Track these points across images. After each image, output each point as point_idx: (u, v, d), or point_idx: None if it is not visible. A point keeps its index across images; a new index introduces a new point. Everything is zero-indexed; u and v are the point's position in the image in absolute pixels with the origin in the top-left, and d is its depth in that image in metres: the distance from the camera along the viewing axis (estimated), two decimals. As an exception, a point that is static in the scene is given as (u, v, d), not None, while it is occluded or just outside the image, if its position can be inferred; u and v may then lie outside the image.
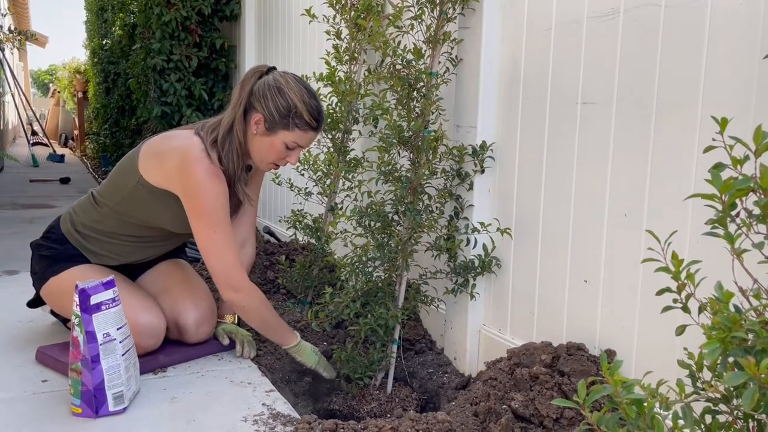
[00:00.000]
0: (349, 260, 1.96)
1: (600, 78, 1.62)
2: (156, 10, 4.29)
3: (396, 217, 1.97)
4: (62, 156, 10.69)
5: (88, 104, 11.29)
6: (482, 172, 1.98)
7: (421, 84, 1.94)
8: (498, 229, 1.93)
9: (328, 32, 2.42)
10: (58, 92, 16.02)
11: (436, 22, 1.94)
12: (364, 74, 2.39)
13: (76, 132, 13.43)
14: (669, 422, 0.84)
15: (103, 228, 2.02)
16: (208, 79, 4.59)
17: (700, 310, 0.87)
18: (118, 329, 1.62)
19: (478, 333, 2.06)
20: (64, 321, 2.19)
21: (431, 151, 1.91)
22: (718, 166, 0.84)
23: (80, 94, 11.99)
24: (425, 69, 1.94)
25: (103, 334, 1.58)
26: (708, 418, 0.86)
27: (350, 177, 2.35)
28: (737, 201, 0.83)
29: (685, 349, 0.93)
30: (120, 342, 1.62)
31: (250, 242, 2.19)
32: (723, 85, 1.33)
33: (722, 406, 0.84)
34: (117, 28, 6.41)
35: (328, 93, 2.42)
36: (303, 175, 2.54)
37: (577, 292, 1.72)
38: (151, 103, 4.51)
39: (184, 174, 1.82)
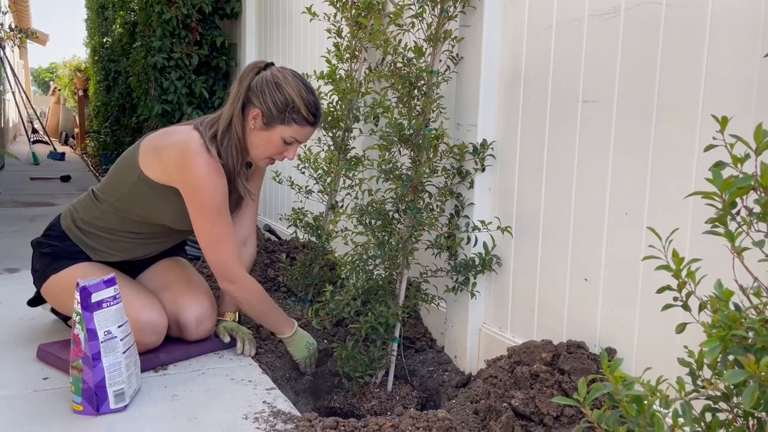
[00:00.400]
0: (350, 258, 1.97)
1: (601, 76, 1.62)
2: (157, 8, 4.29)
3: (397, 216, 1.97)
4: (63, 154, 10.70)
5: (88, 102, 11.29)
6: (483, 170, 1.98)
7: (422, 82, 1.94)
8: (498, 227, 1.93)
9: (328, 30, 2.42)
10: (59, 90, 16.02)
11: (437, 21, 1.94)
12: (365, 72, 2.39)
13: (76, 130, 13.42)
14: (669, 420, 0.84)
15: (104, 224, 2.02)
16: (208, 77, 4.59)
17: (701, 308, 0.87)
18: (119, 327, 1.62)
19: (478, 331, 2.06)
20: (65, 319, 2.19)
21: (432, 150, 1.91)
22: (719, 165, 0.84)
23: (81, 92, 11.99)
24: (426, 67, 1.94)
25: (104, 332, 1.59)
26: (708, 416, 0.86)
27: (351, 175, 2.35)
28: (738, 199, 0.83)
29: (686, 347, 0.93)
30: (121, 340, 1.62)
31: (252, 240, 2.19)
32: (723, 84, 1.33)
33: (722, 404, 0.85)
34: (117, 26, 6.41)
35: (329, 91, 2.42)
36: (304, 173, 2.54)
37: (578, 291, 1.72)
38: (152, 101, 4.51)
39: (184, 168, 1.83)
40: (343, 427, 1.54)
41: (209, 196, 1.84)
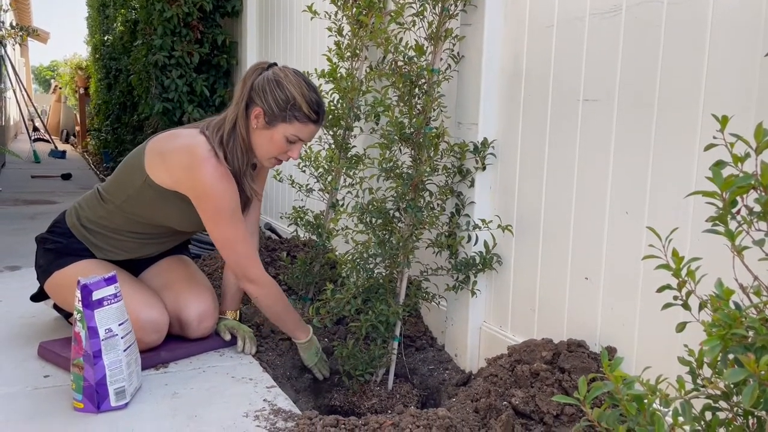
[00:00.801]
0: (351, 257, 1.97)
1: (602, 75, 1.62)
2: (158, 6, 4.29)
3: (397, 214, 1.97)
4: (64, 152, 10.71)
5: (89, 100, 11.29)
6: (483, 169, 1.98)
7: (423, 81, 1.94)
8: (499, 226, 1.93)
9: (329, 29, 2.42)
10: (60, 88, 16.03)
11: (437, 19, 1.94)
12: (366, 71, 2.39)
13: (77, 128, 13.43)
14: (669, 419, 0.84)
15: (109, 224, 2.02)
16: (209, 76, 4.58)
17: (701, 307, 0.87)
18: (119, 325, 1.63)
19: (478, 330, 2.06)
20: (66, 316, 2.20)
21: (433, 148, 1.91)
22: (719, 164, 0.84)
23: (82, 90, 11.99)
24: (427, 66, 1.94)
25: (105, 330, 1.59)
26: (708, 415, 0.86)
27: (351, 174, 2.35)
28: (738, 198, 0.83)
29: (686, 345, 0.93)
30: (122, 338, 1.63)
31: (254, 237, 2.20)
32: (724, 83, 1.33)
33: (722, 403, 0.85)
34: (118, 25, 6.41)
35: (330, 90, 2.42)
36: (304, 171, 2.54)
37: (578, 289, 1.72)
38: (153, 99, 4.51)
39: (192, 175, 1.82)
40: (343, 425, 1.54)
41: (222, 202, 1.84)
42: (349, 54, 2.44)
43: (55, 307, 2.23)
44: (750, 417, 0.82)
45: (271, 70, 1.89)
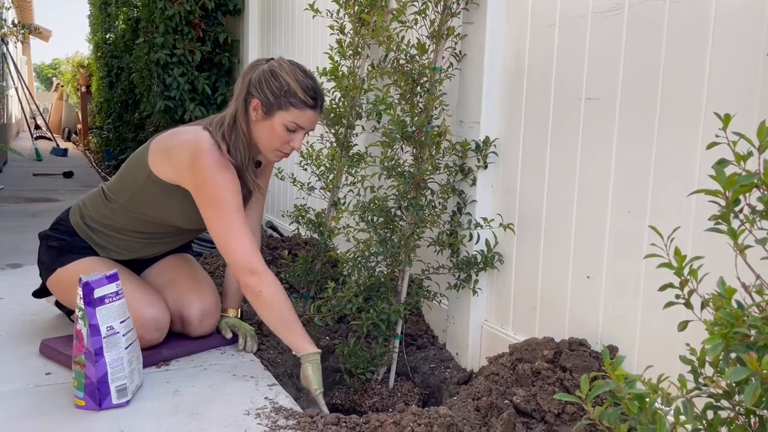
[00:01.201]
0: (352, 255, 1.97)
1: (604, 74, 1.62)
2: (159, 4, 4.29)
3: (399, 213, 1.97)
4: (65, 150, 10.72)
5: (91, 98, 11.30)
6: (485, 167, 1.98)
7: (425, 79, 1.94)
8: (501, 224, 1.93)
9: (331, 27, 2.42)
10: (62, 86, 16.04)
11: (440, 17, 1.93)
12: (368, 69, 2.39)
13: (79, 126, 13.45)
14: (671, 418, 0.84)
15: (113, 223, 2.02)
16: (211, 74, 4.59)
17: (703, 305, 0.87)
18: (121, 322, 1.63)
19: (480, 328, 2.06)
20: (68, 313, 2.20)
21: (434, 147, 1.91)
22: (722, 162, 0.84)
23: (83, 88, 12.01)
24: (429, 64, 1.94)
25: (107, 328, 1.59)
26: (710, 414, 0.86)
27: (353, 172, 2.35)
28: (741, 197, 0.83)
29: (687, 344, 0.93)
30: (123, 335, 1.63)
31: (256, 237, 2.19)
32: (727, 81, 1.33)
33: (724, 402, 0.85)
34: (120, 23, 6.41)
35: (332, 88, 2.42)
36: (306, 169, 2.54)
37: (580, 288, 1.72)
38: (155, 97, 4.51)
39: (195, 166, 1.82)
40: (344, 424, 1.54)
41: (222, 190, 1.83)
42: (350, 52, 2.44)
43: (57, 304, 2.23)
44: (752, 416, 0.82)
45: (267, 63, 1.90)
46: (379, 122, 2.20)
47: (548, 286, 1.83)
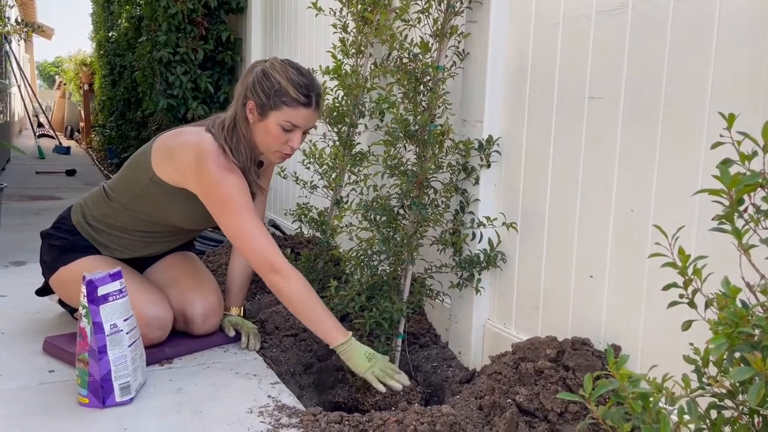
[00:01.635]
0: (355, 254, 1.97)
1: (608, 73, 1.62)
2: (162, 2, 4.29)
3: (401, 211, 1.97)
4: (68, 148, 10.74)
5: (94, 96, 11.31)
6: (488, 166, 1.98)
7: (428, 78, 1.94)
8: (504, 223, 1.93)
9: (334, 25, 2.42)
10: (64, 84, 16.05)
11: (443, 16, 1.93)
12: (371, 68, 2.39)
13: (81, 124, 13.46)
14: (674, 417, 0.84)
15: (114, 222, 2.03)
16: (214, 72, 4.59)
17: (707, 305, 0.87)
18: (125, 320, 1.63)
19: (482, 327, 2.06)
20: (71, 311, 2.20)
21: (437, 145, 1.91)
22: (726, 162, 0.84)
23: (86, 87, 12.02)
24: (432, 63, 1.94)
25: (110, 325, 1.59)
26: (713, 413, 0.86)
27: (356, 171, 2.35)
28: (745, 196, 0.83)
29: (691, 344, 0.93)
30: (127, 333, 1.63)
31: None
32: (731, 80, 1.33)
33: (728, 402, 0.85)
34: (123, 21, 6.42)
35: (335, 86, 2.42)
36: (308, 168, 2.54)
37: (583, 287, 1.72)
38: (157, 95, 4.51)
39: (200, 170, 1.82)
40: (347, 422, 1.55)
41: (232, 192, 1.82)
42: (353, 51, 2.44)
43: (60, 302, 2.24)
44: (756, 416, 0.82)
45: (262, 64, 1.90)
46: (382, 121, 2.20)
47: (551, 285, 1.83)
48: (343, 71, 2.38)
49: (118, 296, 1.62)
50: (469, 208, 2.02)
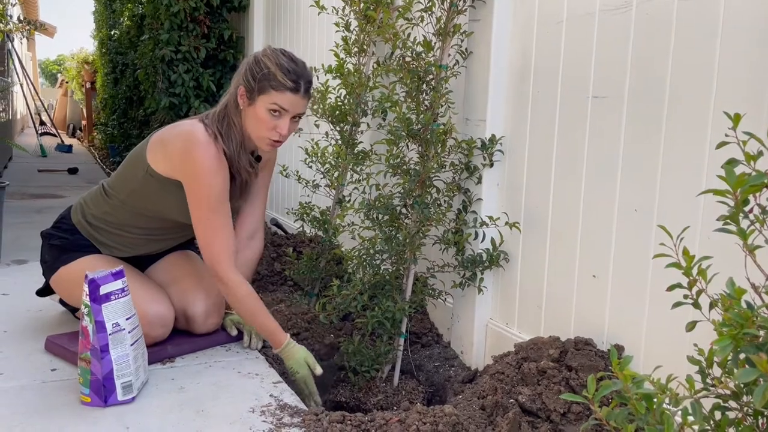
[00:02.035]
0: (357, 253, 1.96)
1: (611, 72, 1.61)
2: (165, 0, 4.29)
3: (404, 210, 1.96)
4: (70, 146, 10.74)
5: (96, 95, 11.33)
6: (491, 165, 1.98)
7: (431, 76, 1.93)
8: (506, 223, 1.93)
9: (337, 24, 2.42)
10: (66, 82, 16.08)
11: (446, 15, 1.93)
12: (373, 66, 2.38)
13: (84, 122, 13.47)
14: (678, 418, 0.84)
15: (114, 220, 2.03)
16: (216, 71, 4.59)
17: (711, 306, 0.87)
18: (127, 319, 1.63)
19: (485, 327, 2.06)
20: (73, 311, 2.20)
21: (440, 144, 1.90)
22: (732, 162, 0.84)
23: (88, 85, 12.03)
24: (435, 61, 1.93)
25: (113, 324, 1.59)
26: (717, 415, 0.85)
27: (358, 169, 2.34)
28: (750, 197, 0.82)
29: (695, 345, 0.92)
30: (129, 332, 1.63)
31: (259, 234, 2.19)
32: (736, 80, 1.32)
33: (732, 403, 0.84)
34: (125, 19, 6.42)
35: (337, 85, 2.42)
36: (311, 167, 2.54)
37: (586, 287, 1.71)
38: (160, 94, 4.51)
39: (186, 157, 1.83)
40: (349, 422, 1.54)
41: (208, 188, 1.84)
42: (356, 49, 2.43)
43: (62, 301, 2.23)
44: (760, 417, 0.82)
45: (255, 53, 1.92)
46: (384, 120, 2.19)
47: (554, 285, 1.82)
48: (346, 70, 2.38)
49: (120, 295, 1.62)
50: (472, 207, 2.01)
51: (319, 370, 1.88)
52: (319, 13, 2.42)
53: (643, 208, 1.53)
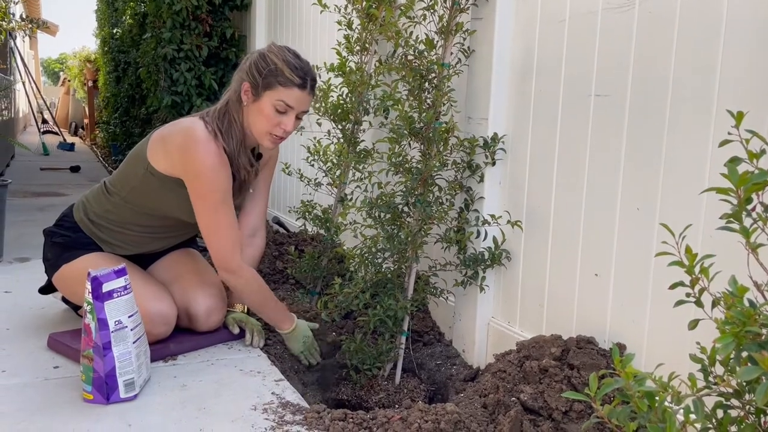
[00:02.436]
0: (359, 251, 1.97)
1: (614, 70, 1.61)
2: (167, -1, 4.30)
3: (406, 209, 1.96)
4: (72, 145, 10.74)
5: (98, 93, 11.33)
6: (493, 164, 1.98)
7: (433, 75, 1.93)
8: (508, 221, 1.93)
9: (339, 22, 2.42)
10: (69, 81, 16.08)
11: (448, 13, 1.93)
12: (375, 65, 2.38)
13: (86, 121, 13.48)
14: (680, 416, 0.84)
15: (115, 218, 2.03)
16: (218, 69, 4.59)
17: (714, 304, 0.87)
18: (129, 317, 1.63)
19: (487, 325, 2.06)
20: (75, 308, 2.21)
21: (442, 143, 1.90)
22: (734, 160, 0.84)
23: (90, 83, 12.03)
24: (437, 60, 1.93)
25: (115, 322, 1.60)
26: (720, 413, 0.85)
27: (360, 168, 2.34)
28: (753, 195, 0.82)
29: (698, 343, 0.92)
30: (131, 329, 1.63)
31: (261, 231, 2.20)
32: (739, 78, 1.32)
33: (734, 401, 0.84)
34: (127, 17, 6.42)
35: (339, 83, 2.42)
36: (313, 165, 2.54)
37: (588, 286, 1.71)
38: (162, 92, 4.51)
39: (187, 155, 1.83)
40: (351, 419, 1.55)
41: (211, 182, 1.84)
42: (358, 48, 2.43)
43: (64, 299, 2.24)
44: (762, 415, 0.82)
45: (259, 50, 1.93)
46: (386, 118, 2.19)
47: (556, 284, 1.82)
48: (348, 68, 2.38)
49: (122, 293, 1.63)
50: (474, 205, 2.01)
51: (315, 325, 2.14)
52: (321, 12, 2.42)
53: (646, 206, 1.53)
